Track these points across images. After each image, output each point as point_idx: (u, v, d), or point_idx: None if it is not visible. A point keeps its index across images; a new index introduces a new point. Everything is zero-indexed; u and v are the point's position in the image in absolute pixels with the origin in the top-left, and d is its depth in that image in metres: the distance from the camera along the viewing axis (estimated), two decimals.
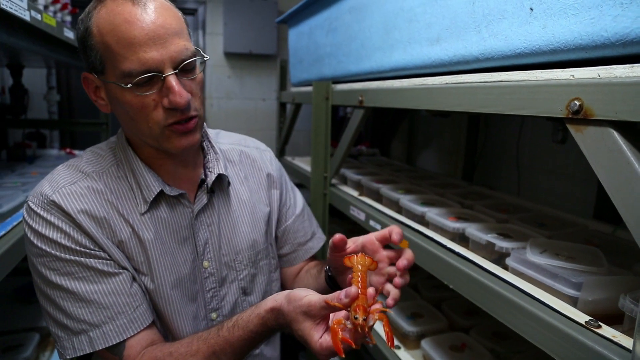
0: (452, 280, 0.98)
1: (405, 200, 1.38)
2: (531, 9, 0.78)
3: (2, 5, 1.05)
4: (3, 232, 1.16)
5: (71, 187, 0.85)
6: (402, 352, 1.33)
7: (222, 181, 0.98)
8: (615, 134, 0.62)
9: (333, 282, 0.96)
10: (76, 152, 2.47)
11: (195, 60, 0.83)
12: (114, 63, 0.78)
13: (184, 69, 0.81)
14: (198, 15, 3.74)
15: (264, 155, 1.12)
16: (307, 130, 3.49)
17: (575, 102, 0.67)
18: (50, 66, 2.60)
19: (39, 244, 0.81)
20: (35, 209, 0.82)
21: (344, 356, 0.68)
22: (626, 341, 0.64)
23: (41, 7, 1.66)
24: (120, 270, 0.85)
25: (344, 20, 1.56)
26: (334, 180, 1.77)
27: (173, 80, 0.78)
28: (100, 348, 0.82)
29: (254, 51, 3.55)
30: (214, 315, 0.97)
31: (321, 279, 0.98)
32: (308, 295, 0.72)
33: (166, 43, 0.77)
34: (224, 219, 0.98)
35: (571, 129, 0.69)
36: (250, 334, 0.78)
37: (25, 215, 0.83)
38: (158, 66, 0.77)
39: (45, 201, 0.82)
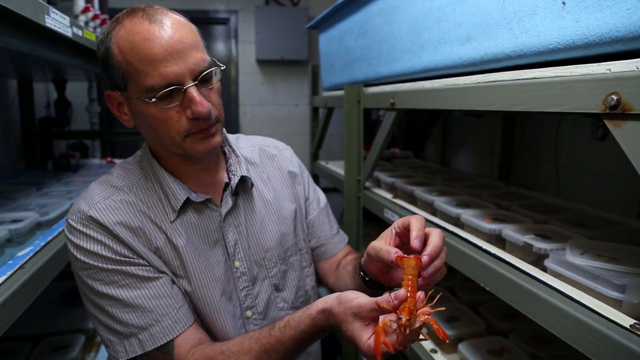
0: (489, 282, 0.96)
1: (440, 202, 1.37)
2: (563, 2, 0.76)
3: (47, 24, 1.10)
4: (50, 238, 1.21)
5: (105, 201, 0.89)
6: (439, 356, 1.31)
7: (245, 183, 1.01)
8: None
9: (371, 282, 0.95)
10: (116, 160, 2.56)
11: (212, 70, 0.86)
12: (136, 80, 0.81)
13: (203, 80, 0.84)
14: (230, 25, 3.82)
15: (283, 153, 1.15)
16: (340, 134, 3.50)
17: (613, 96, 0.65)
18: (91, 79, 2.71)
19: (82, 258, 0.86)
20: (75, 225, 0.87)
21: (380, 358, 0.67)
22: None
23: (82, 24, 1.73)
24: (160, 275, 0.89)
25: (374, 23, 1.56)
26: (367, 184, 1.77)
27: (194, 92, 0.82)
28: (150, 349, 0.86)
29: (286, 57, 3.60)
30: (249, 313, 1.00)
31: (357, 279, 0.98)
32: (358, 297, 0.73)
33: (184, 57, 0.81)
34: (250, 219, 1.01)
35: (609, 124, 0.67)
36: (302, 334, 0.80)
37: (67, 233, 0.89)
38: (179, 79, 0.81)
39: (84, 217, 0.87)
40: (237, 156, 1.02)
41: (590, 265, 0.82)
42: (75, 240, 0.86)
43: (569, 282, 0.83)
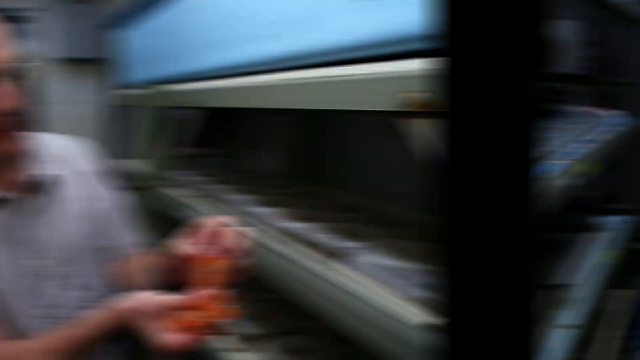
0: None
1: (241, 201, 1.37)
2: None
3: None
4: None
5: None
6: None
7: (43, 182, 0.98)
8: None
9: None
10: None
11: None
12: None
13: None
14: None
15: (85, 152, 1.14)
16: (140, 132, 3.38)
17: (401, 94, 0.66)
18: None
19: None
20: None
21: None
22: None
23: None
24: None
25: (168, 23, 1.52)
26: (165, 182, 1.75)
27: None
28: None
29: (76, 55, 3.64)
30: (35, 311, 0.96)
31: (147, 279, 1.01)
32: (151, 296, 0.80)
33: None
34: (47, 220, 0.99)
35: (399, 122, 0.69)
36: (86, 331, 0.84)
37: None
38: None
39: None
40: (37, 155, 0.98)
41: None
42: None
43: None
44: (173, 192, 1.71)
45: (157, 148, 1.70)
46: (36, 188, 0.98)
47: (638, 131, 1.88)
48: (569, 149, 1.10)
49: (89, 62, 3.69)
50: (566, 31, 2.39)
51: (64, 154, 1.08)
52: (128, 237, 1.16)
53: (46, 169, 1.00)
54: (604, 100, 2.63)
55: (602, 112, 2.18)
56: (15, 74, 0.84)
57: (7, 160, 0.95)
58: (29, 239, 0.97)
